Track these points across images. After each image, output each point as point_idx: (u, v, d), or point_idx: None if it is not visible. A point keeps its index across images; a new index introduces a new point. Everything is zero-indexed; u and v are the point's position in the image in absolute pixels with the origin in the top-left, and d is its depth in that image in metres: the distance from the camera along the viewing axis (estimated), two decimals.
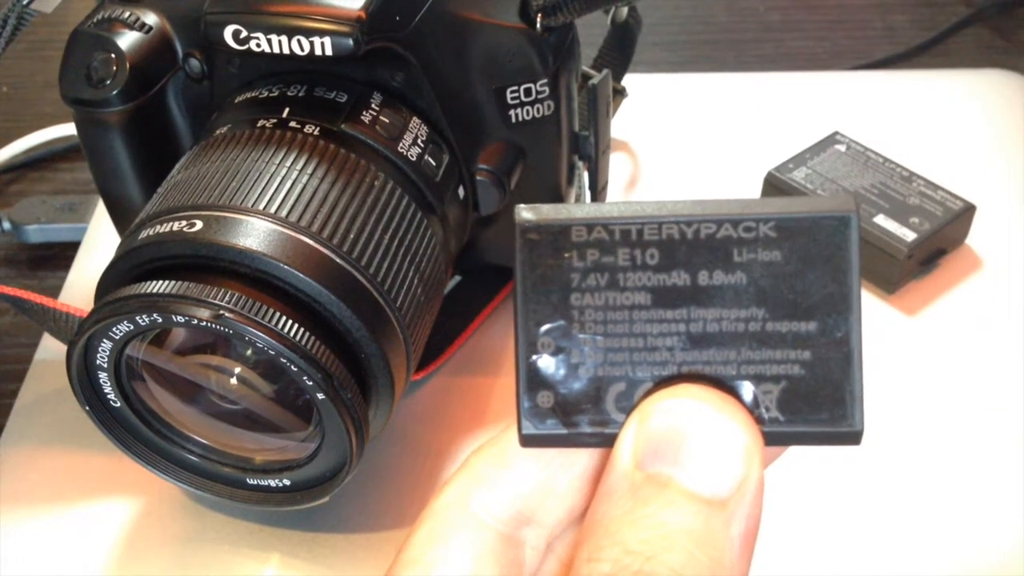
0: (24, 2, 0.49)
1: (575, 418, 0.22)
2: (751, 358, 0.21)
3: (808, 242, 0.21)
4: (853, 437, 0.21)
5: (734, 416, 0.20)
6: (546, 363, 0.21)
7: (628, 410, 0.21)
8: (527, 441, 0.22)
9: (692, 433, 0.20)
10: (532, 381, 0.22)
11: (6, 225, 0.62)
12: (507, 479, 0.23)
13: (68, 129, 0.68)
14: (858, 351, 0.21)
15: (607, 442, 0.22)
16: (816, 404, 0.21)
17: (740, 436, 0.20)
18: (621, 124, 0.61)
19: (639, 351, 0.21)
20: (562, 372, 0.21)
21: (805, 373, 0.21)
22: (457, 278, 0.52)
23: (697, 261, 0.21)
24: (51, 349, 0.52)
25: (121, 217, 0.49)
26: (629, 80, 0.61)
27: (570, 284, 0.21)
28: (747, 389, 0.21)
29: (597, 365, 0.21)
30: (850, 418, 0.21)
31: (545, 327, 0.21)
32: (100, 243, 0.58)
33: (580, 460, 0.23)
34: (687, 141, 0.64)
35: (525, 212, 0.21)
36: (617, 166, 0.61)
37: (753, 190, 0.58)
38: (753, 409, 0.21)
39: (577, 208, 0.21)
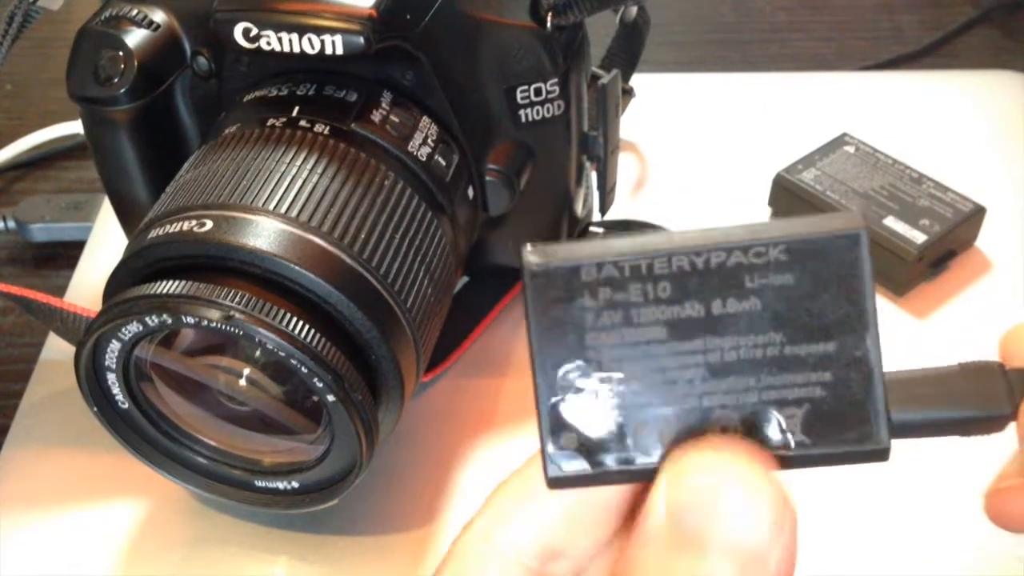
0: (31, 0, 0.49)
1: (600, 456, 0.21)
2: (772, 383, 0.21)
3: (819, 263, 0.21)
4: (880, 455, 0.21)
5: (763, 467, 0.20)
6: (567, 406, 0.21)
7: (652, 446, 0.21)
8: (555, 483, 0.22)
9: (724, 488, 0.20)
10: (555, 424, 0.21)
11: (11, 224, 0.62)
12: (532, 514, 0.23)
13: (73, 127, 0.68)
14: (879, 368, 0.21)
15: (635, 478, 0.21)
16: (841, 424, 0.21)
17: (771, 487, 0.20)
18: (628, 124, 0.60)
19: (659, 386, 0.21)
20: (584, 413, 0.21)
21: (827, 394, 0.21)
22: (465, 278, 0.52)
23: (710, 291, 0.21)
24: (57, 349, 0.52)
25: (127, 216, 0.49)
26: (636, 80, 0.61)
27: (584, 324, 0.21)
28: (771, 415, 0.21)
29: (618, 403, 0.21)
30: (876, 436, 0.21)
31: (563, 369, 0.21)
32: (106, 242, 0.58)
33: (604, 492, 0.23)
34: (695, 141, 0.64)
35: (532, 255, 0.21)
36: (625, 166, 0.61)
37: (762, 191, 0.58)
38: (778, 435, 0.21)
39: (584, 246, 0.21)
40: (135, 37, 0.44)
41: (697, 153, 0.63)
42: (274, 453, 0.42)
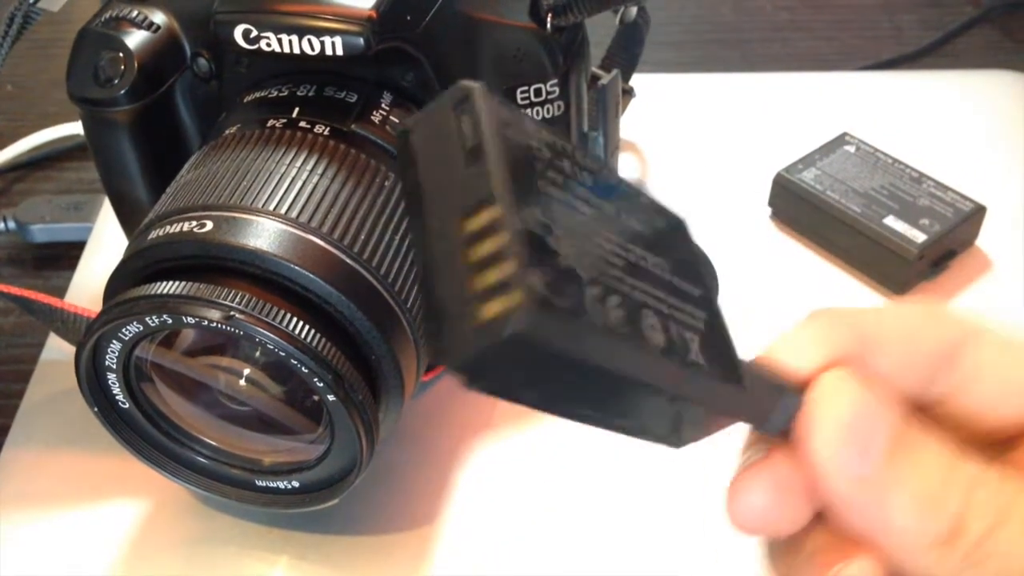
0: (31, 1, 0.49)
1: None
2: (672, 304, 0.21)
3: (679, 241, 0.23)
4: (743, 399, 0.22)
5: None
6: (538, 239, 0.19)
7: (603, 316, 0.19)
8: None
9: None
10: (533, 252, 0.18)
11: (11, 224, 0.62)
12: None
13: (73, 128, 0.68)
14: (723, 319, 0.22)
15: None
16: (720, 362, 0.21)
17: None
18: (629, 124, 0.60)
19: (598, 262, 0.20)
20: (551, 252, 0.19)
21: (706, 332, 0.21)
22: None
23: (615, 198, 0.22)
24: (57, 349, 0.52)
25: (128, 217, 0.49)
26: (636, 80, 0.61)
27: (535, 168, 0.20)
28: (679, 331, 0.21)
29: (570, 258, 0.19)
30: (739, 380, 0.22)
31: (525, 210, 0.19)
32: (106, 243, 0.58)
33: None
34: (695, 141, 0.64)
35: (479, 97, 0.20)
36: (625, 166, 0.61)
37: (762, 191, 0.58)
38: (689, 353, 0.21)
39: (529, 122, 0.21)
40: (135, 38, 0.45)
41: (697, 153, 0.63)
42: (274, 453, 0.42)
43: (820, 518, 0.23)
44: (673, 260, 0.22)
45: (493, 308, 0.17)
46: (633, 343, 0.19)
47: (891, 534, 0.22)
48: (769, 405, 0.22)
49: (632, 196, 0.22)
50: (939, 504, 0.21)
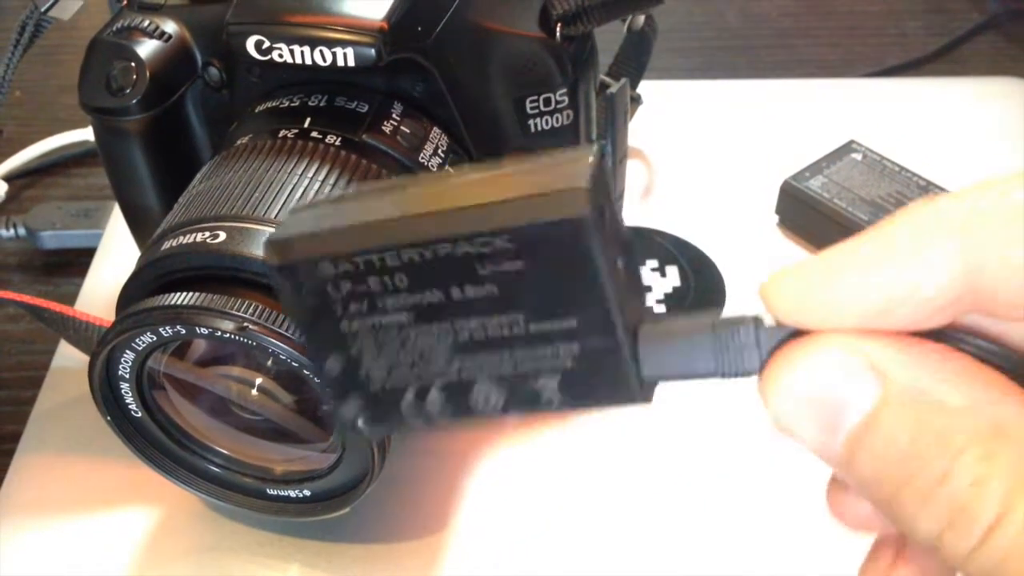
0: (42, 9, 0.49)
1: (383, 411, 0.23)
2: (523, 357, 0.21)
3: (545, 250, 0.20)
4: (636, 402, 0.21)
5: None
6: (345, 404, 0.23)
7: (424, 415, 0.22)
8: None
9: None
10: (339, 389, 0.22)
11: (21, 231, 0.62)
12: None
13: (82, 134, 0.68)
14: (624, 336, 0.21)
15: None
16: (596, 385, 0.21)
17: None
18: (636, 131, 0.60)
19: (417, 364, 0.22)
20: (359, 405, 0.22)
21: (577, 364, 0.21)
22: None
23: (445, 278, 0.21)
24: (68, 356, 0.52)
25: (138, 225, 0.49)
26: (643, 87, 0.61)
27: (335, 314, 0.22)
28: (529, 385, 0.21)
29: (383, 380, 0.22)
30: (628, 392, 0.21)
31: (328, 365, 0.22)
32: (115, 249, 0.58)
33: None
34: (701, 149, 0.64)
35: (271, 253, 0.22)
36: (632, 173, 0.61)
37: (769, 198, 0.58)
38: (544, 398, 0.21)
39: (321, 235, 0.21)
40: (147, 48, 0.45)
41: (704, 160, 0.63)
42: (286, 461, 0.42)
43: None
44: (533, 302, 0.21)
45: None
46: (462, 421, 0.22)
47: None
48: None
49: (462, 257, 0.21)
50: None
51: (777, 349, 0.21)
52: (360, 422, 0.22)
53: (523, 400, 0.21)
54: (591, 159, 0.20)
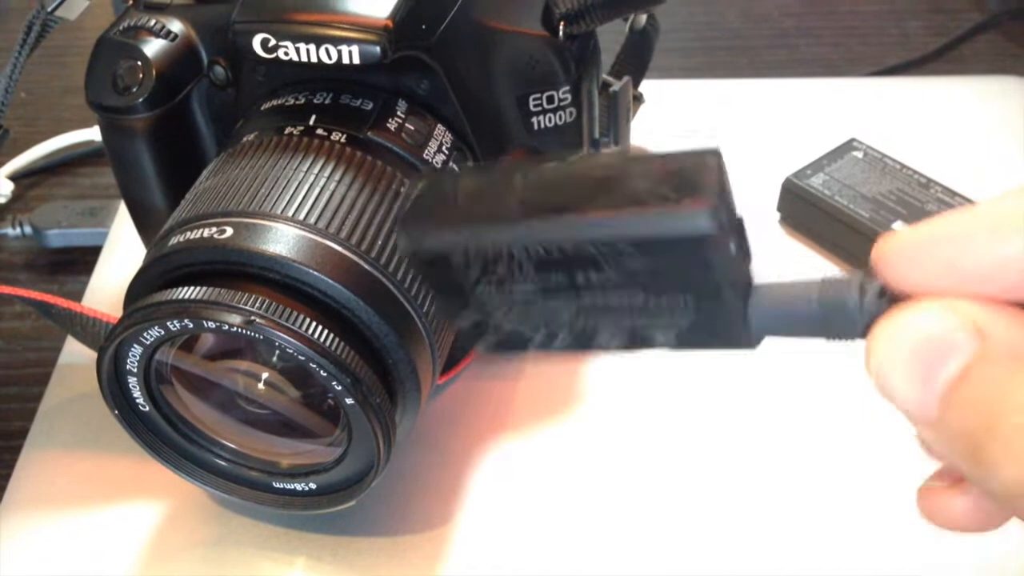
0: (48, 10, 0.50)
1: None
2: (642, 322, 0.23)
3: (670, 259, 0.21)
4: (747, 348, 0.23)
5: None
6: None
7: (550, 349, 0.24)
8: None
9: None
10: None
11: (27, 230, 0.62)
12: None
13: (88, 134, 0.69)
14: (737, 309, 0.22)
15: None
16: (709, 340, 0.23)
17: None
18: (638, 131, 0.61)
19: (544, 322, 0.24)
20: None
21: (692, 327, 0.23)
22: None
23: (570, 268, 0.22)
24: (75, 353, 0.52)
25: (144, 223, 0.50)
26: (645, 86, 0.61)
27: (465, 288, 0.23)
28: (647, 334, 0.23)
29: (513, 328, 0.24)
30: (738, 341, 0.23)
31: (460, 316, 0.24)
32: (121, 248, 0.59)
33: None
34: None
35: (403, 239, 0.23)
36: None
37: (771, 196, 0.58)
38: (655, 343, 0.23)
39: (454, 228, 0.23)
40: (153, 47, 0.45)
41: None
42: (292, 455, 0.42)
43: None
44: (653, 288, 0.22)
45: None
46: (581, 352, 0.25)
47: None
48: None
49: (588, 255, 0.22)
50: None
51: (882, 312, 0.22)
52: (489, 350, 0.25)
53: (641, 342, 0.23)
54: (717, 164, 0.21)
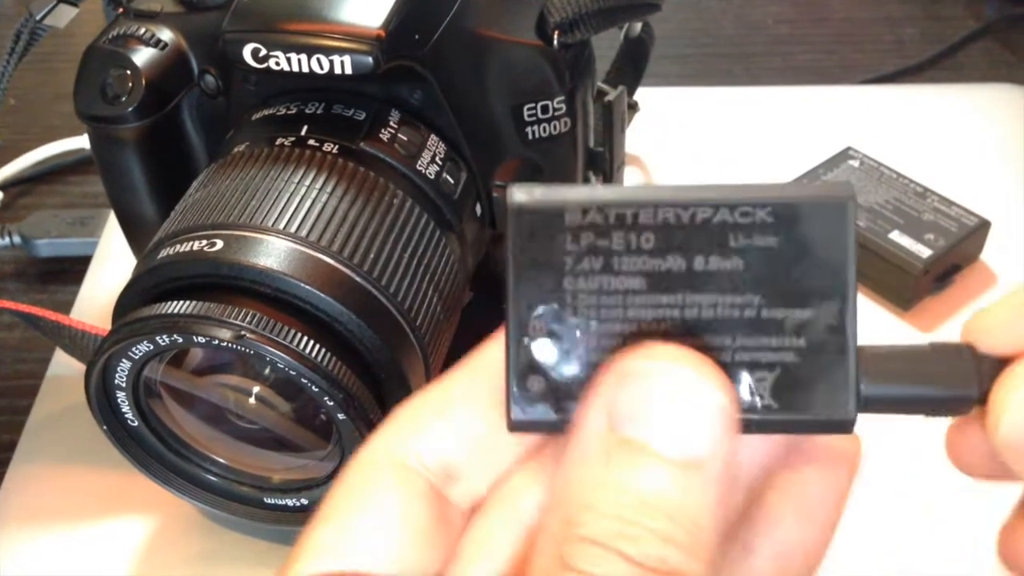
0: (37, 18, 0.49)
1: (566, 404, 0.21)
2: (746, 344, 0.21)
3: (805, 229, 0.21)
4: (844, 426, 0.21)
5: (709, 377, 0.20)
6: (538, 347, 0.21)
7: None
8: (516, 427, 0.21)
9: (666, 394, 0.20)
10: (523, 365, 0.21)
11: (16, 239, 0.62)
12: (438, 430, 0.22)
13: (78, 142, 0.68)
14: (853, 339, 0.21)
15: None
16: (810, 392, 0.21)
17: (714, 396, 0.20)
18: (633, 138, 0.60)
19: (633, 336, 0.21)
20: (554, 357, 0.21)
21: (800, 360, 0.21)
22: (470, 294, 0.52)
23: (693, 246, 0.21)
24: (64, 365, 0.52)
25: (135, 233, 0.49)
26: (639, 93, 0.61)
27: (563, 267, 0.21)
28: (741, 376, 0.21)
29: (590, 350, 0.21)
30: (844, 407, 0.21)
31: (538, 311, 0.21)
32: (111, 258, 0.58)
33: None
34: (698, 156, 0.64)
35: (518, 193, 0.21)
36: (629, 181, 0.61)
37: None
38: (747, 396, 0.21)
39: (572, 190, 0.21)
40: (143, 56, 0.45)
41: (701, 167, 0.63)
42: (283, 470, 0.42)
43: None
44: (775, 284, 0.21)
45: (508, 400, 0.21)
46: None
47: None
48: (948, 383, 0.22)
49: (717, 225, 0.21)
50: None
51: (997, 374, 0.21)
52: (541, 399, 0.21)
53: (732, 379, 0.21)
54: (850, 187, 0.21)
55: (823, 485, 0.23)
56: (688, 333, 0.21)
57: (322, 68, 0.41)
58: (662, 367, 0.20)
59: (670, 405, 0.19)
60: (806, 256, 0.21)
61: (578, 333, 0.21)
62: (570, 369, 0.21)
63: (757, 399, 0.21)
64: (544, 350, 0.21)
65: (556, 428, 0.21)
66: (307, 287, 0.37)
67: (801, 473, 0.23)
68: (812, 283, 0.21)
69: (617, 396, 0.20)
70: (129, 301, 0.39)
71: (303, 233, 0.38)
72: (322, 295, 0.37)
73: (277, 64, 0.41)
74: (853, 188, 0.21)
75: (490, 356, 0.22)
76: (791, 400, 0.21)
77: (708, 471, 0.19)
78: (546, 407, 0.21)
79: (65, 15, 0.49)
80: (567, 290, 0.21)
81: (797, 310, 0.21)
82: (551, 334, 0.21)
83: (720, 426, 0.20)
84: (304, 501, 0.41)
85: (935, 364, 0.22)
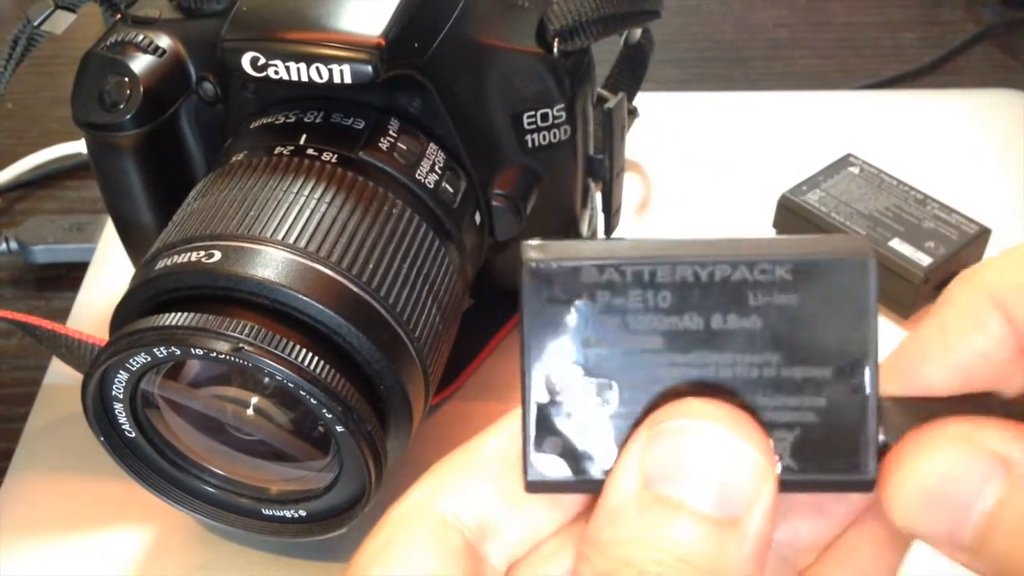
0: (35, 24, 0.49)
1: (584, 464, 0.21)
2: (765, 404, 0.21)
3: (825, 286, 0.20)
4: (866, 485, 0.21)
5: (745, 433, 0.20)
6: (556, 409, 0.21)
7: None
8: (533, 487, 0.21)
9: (702, 452, 0.19)
10: (540, 427, 0.21)
11: (13, 245, 0.61)
12: (475, 487, 0.22)
13: (75, 147, 0.68)
14: (874, 398, 0.20)
15: None
16: (830, 452, 0.21)
17: (750, 453, 0.20)
18: (632, 144, 0.60)
19: (651, 397, 0.21)
20: (572, 418, 0.21)
21: (819, 420, 0.21)
22: (470, 301, 0.52)
23: (711, 304, 0.20)
24: (61, 373, 0.51)
25: (132, 240, 0.49)
26: (639, 99, 0.61)
27: (579, 326, 0.21)
28: None
29: (608, 411, 0.21)
30: (864, 467, 0.21)
31: (553, 371, 0.21)
32: (109, 264, 0.58)
33: None
34: (698, 161, 0.64)
35: (532, 251, 0.21)
36: (628, 186, 0.61)
37: (766, 211, 0.58)
38: None
39: (587, 246, 0.21)
40: (141, 63, 0.44)
41: (701, 173, 0.63)
42: (281, 481, 0.41)
43: None
44: (795, 342, 0.20)
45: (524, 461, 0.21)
46: None
47: None
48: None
49: (736, 283, 0.20)
50: None
51: (885, 451, 0.21)
52: (558, 460, 0.21)
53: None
54: (868, 243, 0.21)
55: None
56: (706, 393, 0.20)
57: (321, 77, 0.40)
58: (696, 425, 0.20)
59: (705, 462, 0.19)
60: (826, 314, 0.20)
61: (594, 393, 0.21)
62: (586, 429, 0.21)
63: (777, 459, 0.21)
64: (560, 411, 0.21)
65: (575, 488, 0.21)
66: (305, 299, 0.37)
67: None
68: (832, 341, 0.20)
69: (650, 453, 0.20)
70: (126, 312, 0.39)
71: (301, 244, 0.38)
72: (320, 307, 0.37)
73: (276, 73, 0.41)
74: (871, 245, 0.21)
75: None
76: (811, 460, 0.21)
77: (745, 528, 0.19)
78: (564, 467, 0.21)
79: (63, 21, 0.49)
80: (583, 350, 0.21)
81: (817, 368, 0.20)
82: (566, 394, 0.21)
83: (757, 482, 0.19)
84: (302, 512, 0.41)
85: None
